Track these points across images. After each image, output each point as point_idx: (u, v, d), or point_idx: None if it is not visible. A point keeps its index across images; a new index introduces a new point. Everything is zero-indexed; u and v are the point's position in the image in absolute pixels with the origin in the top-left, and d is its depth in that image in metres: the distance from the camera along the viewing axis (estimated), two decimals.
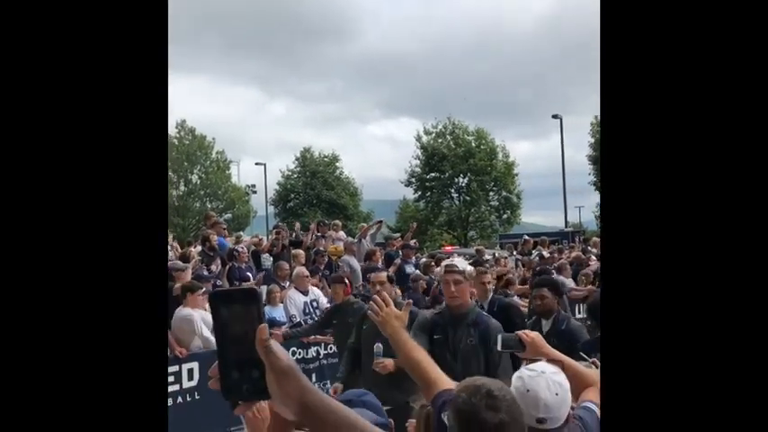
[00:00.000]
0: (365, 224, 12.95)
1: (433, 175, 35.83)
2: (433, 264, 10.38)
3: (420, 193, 36.27)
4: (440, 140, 35.73)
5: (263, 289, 8.31)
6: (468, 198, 35.45)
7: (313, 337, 7.50)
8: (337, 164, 37.40)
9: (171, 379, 6.30)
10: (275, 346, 0.98)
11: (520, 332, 2.57)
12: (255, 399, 1.00)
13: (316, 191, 35.41)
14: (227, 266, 8.79)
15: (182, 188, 32.25)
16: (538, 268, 9.29)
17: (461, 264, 3.83)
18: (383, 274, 5.13)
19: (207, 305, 6.91)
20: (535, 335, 2.53)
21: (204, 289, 6.89)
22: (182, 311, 6.59)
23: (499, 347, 2.63)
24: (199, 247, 9.16)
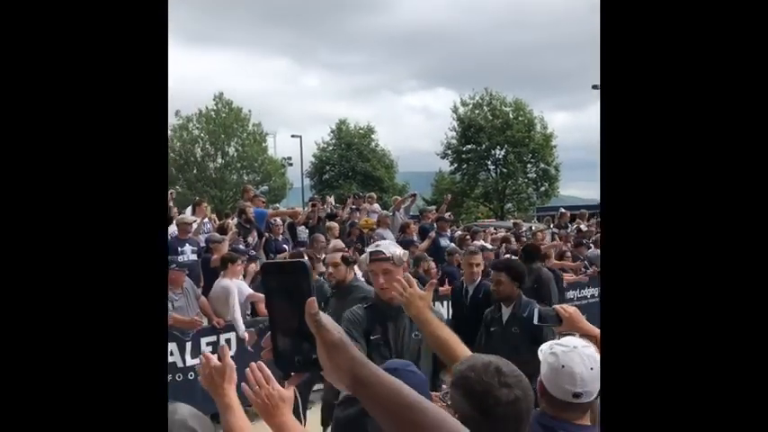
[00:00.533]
0: (399, 197, 12.92)
1: (469, 146, 35.49)
2: (468, 237, 10.33)
3: (456, 165, 36.01)
4: (477, 112, 35.28)
5: None
6: (505, 170, 35.04)
7: None
8: (372, 136, 37.33)
9: (209, 349, 6.44)
10: (325, 319, 0.98)
11: (557, 306, 2.55)
12: (307, 370, 1.01)
13: (351, 163, 35.45)
14: (263, 239, 8.90)
15: (219, 160, 32.60)
16: (527, 243, 8.85)
17: (389, 248, 3.29)
18: (337, 256, 4.71)
19: (241, 276, 7.05)
20: (573, 310, 2.50)
21: (242, 260, 7.01)
22: (221, 282, 6.71)
23: (535, 321, 2.61)
24: (236, 220, 9.28)
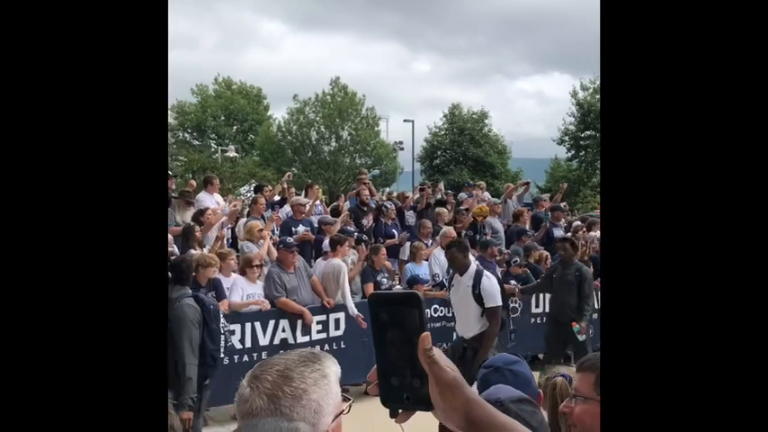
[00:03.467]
0: (511, 184, 12.59)
1: (588, 133, 34.05)
2: (584, 229, 9.89)
3: (573, 152, 34.70)
4: (597, 97, 33.72)
5: (408, 246, 8.43)
6: None
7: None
8: (486, 121, 36.72)
9: (319, 327, 6.63)
10: (439, 355, 0.93)
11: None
12: (416, 409, 0.96)
13: (463, 148, 35.08)
14: (374, 223, 9.01)
15: (333, 144, 33.40)
16: None
17: None
18: None
19: (350, 255, 7.16)
20: None
21: (348, 240, 7.15)
22: (331, 262, 6.85)
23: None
24: (347, 203, 9.46)
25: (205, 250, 6.95)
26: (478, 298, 5.58)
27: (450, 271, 6.36)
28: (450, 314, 7.57)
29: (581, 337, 6.43)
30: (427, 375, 0.92)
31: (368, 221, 8.89)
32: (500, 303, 5.65)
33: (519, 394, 1.71)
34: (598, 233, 9.91)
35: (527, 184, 12.20)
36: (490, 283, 5.63)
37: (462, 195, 11.04)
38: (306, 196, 9.41)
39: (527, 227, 9.56)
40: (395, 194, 12.31)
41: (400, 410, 0.97)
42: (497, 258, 8.48)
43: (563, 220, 10.54)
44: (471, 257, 6.15)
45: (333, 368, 1.27)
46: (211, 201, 8.68)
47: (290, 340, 6.37)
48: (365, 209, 9.09)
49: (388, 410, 0.97)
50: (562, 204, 11.07)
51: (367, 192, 9.45)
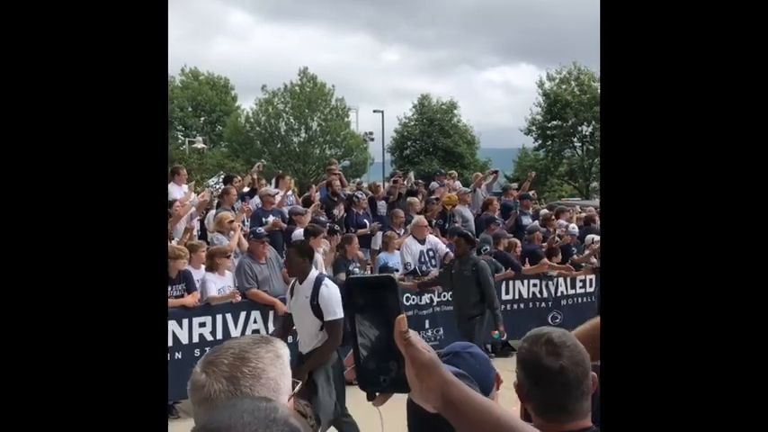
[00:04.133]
0: (480, 173, 12.69)
1: (555, 123, 34.43)
2: (552, 216, 10.03)
3: (540, 141, 35.08)
4: (563, 87, 34.10)
5: (379, 236, 8.45)
6: (591, 147, 33.80)
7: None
8: (455, 111, 36.86)
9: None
10: (415, 337, 0.94)
11: None
12: (394, 391, 0.97)
13: (432, 138, 35.18)
14: (346, 213, 9.00)
15: (302, 135, 33.16)
16: None
17: None
18: None
19: (324, 246, 7.13)
20: None
21: (324, 232, 7.12)
22: None
23: None
24: (318, 194, 9.43)
25: (174, 242, 6.87)
26: (317, 310, 4.54)
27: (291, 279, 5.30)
28: (423, 302, 7.66)
29: (503, 338, 6.45)
30: (404, 358, 0.93)
31: (339, 211, 8.88)
32: (340, 316, 4.53)
33: (455, 370, 1.77)
34: (564, 221, 10.07)
35: (496, 172, 12.32)
36: (329, 292, 4.62)
37: (434, 185, 11.10)
38: (277, 187, 9.35)
39: (496, 215, 9.65)
40: (365, 185, 12.32)
41: (377, 393, 0.98)
42: None
43: (531, 208, 10.67)
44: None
45: (284, 350, 1.29)
46: (179, 192, 8.56)
47: (262, 331, 6.34)
48: (336, 199, 9.08)
49: (365, 394, 0.98)
50: (530, 193, 11.21)
51: (338, 182, 9.44)
